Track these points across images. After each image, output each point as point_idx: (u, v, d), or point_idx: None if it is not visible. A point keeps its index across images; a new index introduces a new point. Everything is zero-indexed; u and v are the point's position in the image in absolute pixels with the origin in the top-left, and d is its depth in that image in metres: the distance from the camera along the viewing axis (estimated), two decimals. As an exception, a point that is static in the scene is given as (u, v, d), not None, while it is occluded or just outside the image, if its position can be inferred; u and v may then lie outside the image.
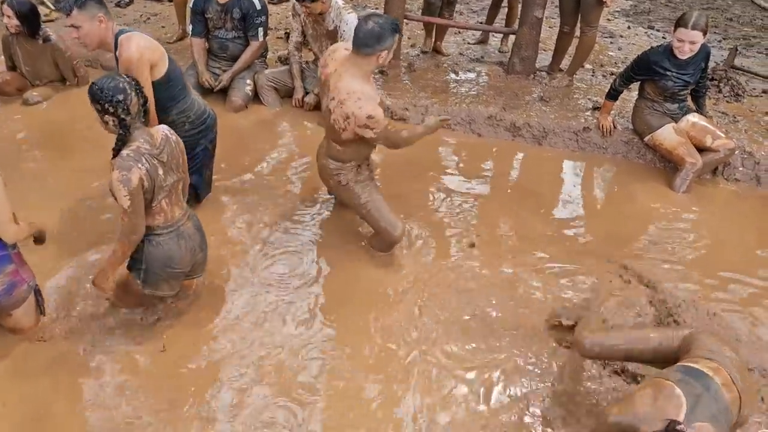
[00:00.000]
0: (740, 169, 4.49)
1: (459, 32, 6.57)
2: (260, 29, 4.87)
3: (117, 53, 3.00)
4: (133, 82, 2.58)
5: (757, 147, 4.53)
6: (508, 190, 4.20)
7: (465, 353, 2.87)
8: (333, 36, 4.57)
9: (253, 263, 3.34)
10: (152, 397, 2.58)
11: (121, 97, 2.49)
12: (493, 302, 3.16)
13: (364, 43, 2.87)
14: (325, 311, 3.06)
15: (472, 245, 3.55)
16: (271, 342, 2.87)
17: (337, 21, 4.49)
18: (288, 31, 5.88)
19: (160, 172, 2.60)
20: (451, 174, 4.31)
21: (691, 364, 2.06)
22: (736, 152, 4.42)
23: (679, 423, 1.78)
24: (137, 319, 2.93)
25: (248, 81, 4.98)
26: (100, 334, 2.84)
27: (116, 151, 2.56)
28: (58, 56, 4.91)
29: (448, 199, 4.00)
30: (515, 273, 3.38)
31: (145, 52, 2.98)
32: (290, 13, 4.90)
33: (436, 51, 5.93)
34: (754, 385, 2.24)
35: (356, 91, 2.91)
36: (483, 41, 6.26)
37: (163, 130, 2.70)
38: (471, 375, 2.76)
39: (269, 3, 7.13)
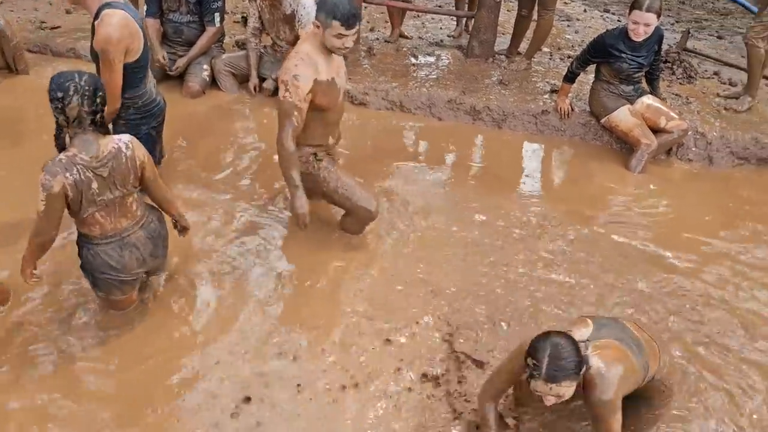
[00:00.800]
0: (693, 149, 4.61)
1: (418, 16, 6.55)
2: (216, 14, 4.77)
3: (95, 23, 2.92)
4: (86, 88, 2.39)
5: (709, 128, 4.65)
6: (470, 173, 4.23)
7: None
8: (290, 20, 4.50)
9: (211, 250, 3.29)
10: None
11: (59, 95, 2.36)
12: (455, 284, 3.20)
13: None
14: (292, 296, 3.05)
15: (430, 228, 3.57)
16: (242, 332, 2.85)
17: (294, 5, 4.42)
18: (245, 15, 5.78)
19: (94, 186, 2.46)
20: (414, 159, 4.32)
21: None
22: (689, 133, 4.53)
23: (555, 332, 2.07)
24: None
25: (205, 66, 4.88)
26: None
27: (58, 148, 2.46)
28: (4, 43, 4.73)
29: (411, 183, 4.00)
30: (479, 251, 3.42)
31: (124, 36, 2.90)
32: (247, -3, 4.83)
33: (401, 35, 5.90)
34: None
35: (295, 51, 2.93)
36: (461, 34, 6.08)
37: (116, 142, 2.53)
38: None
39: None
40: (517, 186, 4.13)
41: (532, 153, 4.59)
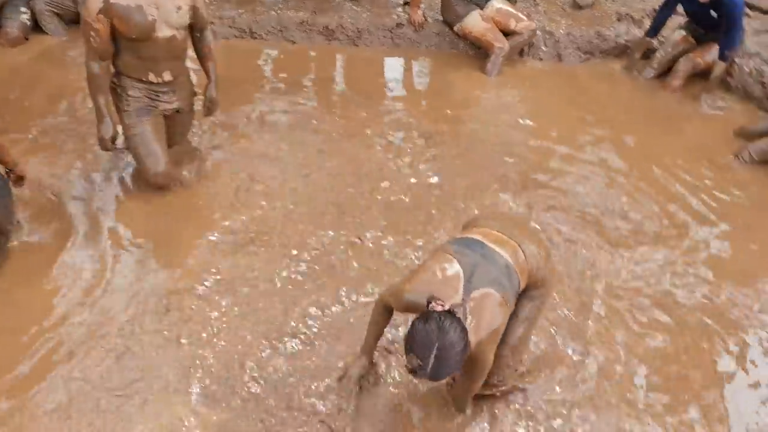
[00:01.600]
0: (543, 48, 4.74)
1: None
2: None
3: None
4: None
5: (555, 26, 4.79)
6: (333, 95, 4.11)
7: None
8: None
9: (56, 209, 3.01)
10: None
11: None
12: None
13: None
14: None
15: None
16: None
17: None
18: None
19: None
20: (273, 86, 4.11)
21: (464, 235, 2.13)
22: (538, 33, 4.64)
23: (437, 299, 1.78)
24: None
25: (23, 8, 4.35)
26: None
27: None
28: None
29: (274, 112, 3.83)
30: (351, 163, 3.36)
31: None
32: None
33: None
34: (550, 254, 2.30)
35: None
36: None
37: None
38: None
39: None
40: (379, 103, 4.06)
41: (391, 68, 4.52)
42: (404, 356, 1.78)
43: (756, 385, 2.47)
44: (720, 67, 4.33)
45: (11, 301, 2.54)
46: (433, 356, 1.70)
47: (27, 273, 2.66)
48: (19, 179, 2.79)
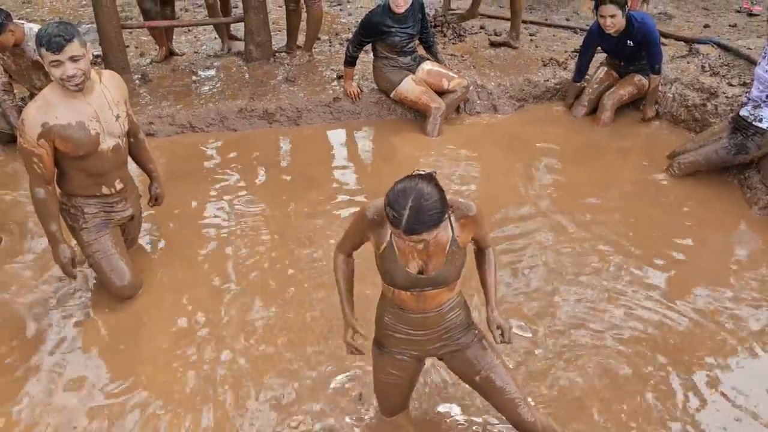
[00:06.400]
0: (478, 101, 4.91)
1: (189, 30, 6.28)
2: (-49, 74, 4.18)
3: None
4: None
5: (486, 79, 4.98)
6: (280, 178, 4.13)
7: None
8: (40, 66, 4.07)
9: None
10: None
11: None
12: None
13: None
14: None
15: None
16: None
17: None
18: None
19: None
20: (219, 176, 4.12)
21: None
22: (471, 88, 4.81)
23: (416, 176, 1.80)
24: None
25: (-43, 133, 4.29)
26: None
27: None
28: None
29: (222, 203, 3.83)
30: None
31: None
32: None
33: (171, 53, 5.61)
34: None
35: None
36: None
37: None
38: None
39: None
40: (329, 179, 4.11)
41: (335, 142, 4.60)
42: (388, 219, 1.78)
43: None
44: (654, 81, 4.54)
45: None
46: (408, 207, 1.72)
47: None
48: None
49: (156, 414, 2.51)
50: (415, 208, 1.71)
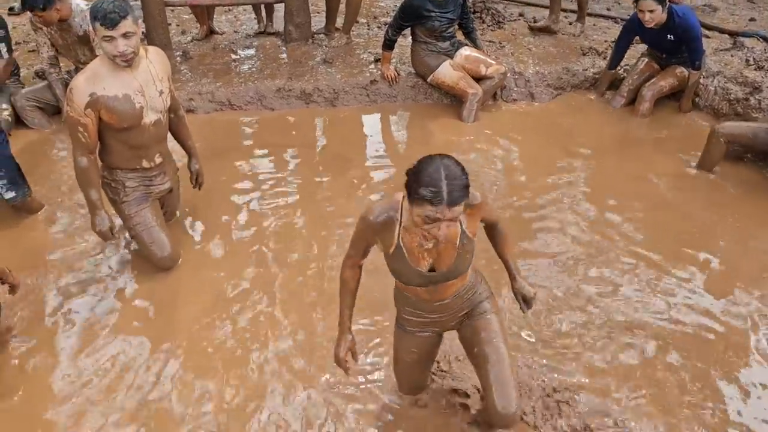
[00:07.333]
0: (515, 89, 4.89)
1: (230, 10, 6.35)
2: (1, 45, 4.31)
3: None
4: None
5: (524, 66, 4.95)
6: (315, 158, 4.19)
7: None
8: (86, 41, 4.18)
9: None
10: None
11: None
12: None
13: None
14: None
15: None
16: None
17: (85, 24, 4.09)
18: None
19: None
20: (256, 154, 4.19)
21: None
22: (509, 75, 4.79)
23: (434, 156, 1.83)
24: None
25: (4, 105, 4.41)
26: None
27: None
28: None
29: (259, 182, 3.90)
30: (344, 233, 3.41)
31: None
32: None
33: (212, 32, 5.69)
34: None
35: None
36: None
37: None
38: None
39: (9, 14, 6.39)
40: (363, 161, 4.15)
41: (370, 124, 4.63)
42: (415, 203, 1.76)
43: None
44: (694, 77, 4.48)
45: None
46: (443, 179, 1.72)
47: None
48: (12, 288, 2.80)
49: (190, 383, 2.59)
50: (450, 176, 1.73)
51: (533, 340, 2.73)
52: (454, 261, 1.97)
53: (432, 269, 1.99)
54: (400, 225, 1.94)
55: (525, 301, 2.22)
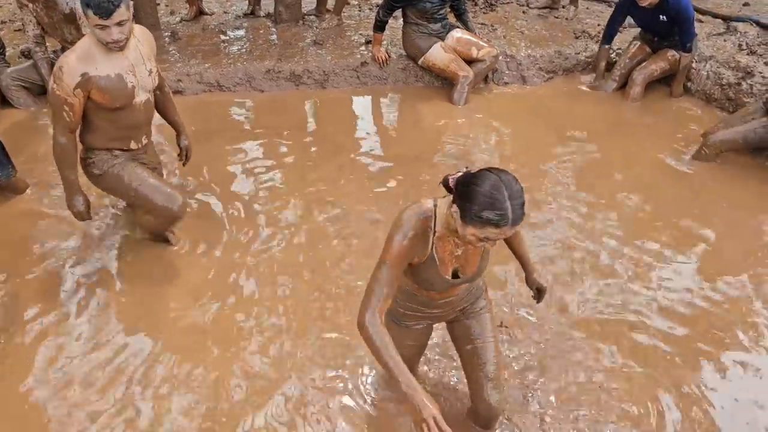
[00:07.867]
0: (507, 72, 4.86)
1: (219, -10, 6.28)
2: (-15, 24, 4.24)
3: None
4: None
5: (516, 50, 4.92)
6: (306, 139, 4.15)
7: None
8: (73, 19, 4.10)
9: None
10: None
11: None
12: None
13: None
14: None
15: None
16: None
17: (72, 2, 4.02)
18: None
19: None
20: (246, 137, 4.15)
21: None
22: (500, 57, 4.76)
23: (489, 170, 1.70)
24: None
25: (-11, 85, 4.36)
26: None
27: None
28: None
29: (247, 163, 3.86)
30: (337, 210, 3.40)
31: None
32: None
33: (201, 13, 5.62)
34: None
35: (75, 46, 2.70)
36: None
37: None
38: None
39: (-5, -7, 6.29)
40: (354, 143, 4.12)
41: (361, 107, 4.60)
42: (475, 225, 1.65)
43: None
44: (685, 60, 4.46)
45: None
46: (507, 199, 1.63)
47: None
48: None
49: (180, 368, 2.58)
50: (513, 196, 1.64)
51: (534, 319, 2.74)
52: (478, 265, 1.96)
53: (455, 274, 1.95)
54: (434, 235, 1.84)
55: (539, 292, 2.25)
